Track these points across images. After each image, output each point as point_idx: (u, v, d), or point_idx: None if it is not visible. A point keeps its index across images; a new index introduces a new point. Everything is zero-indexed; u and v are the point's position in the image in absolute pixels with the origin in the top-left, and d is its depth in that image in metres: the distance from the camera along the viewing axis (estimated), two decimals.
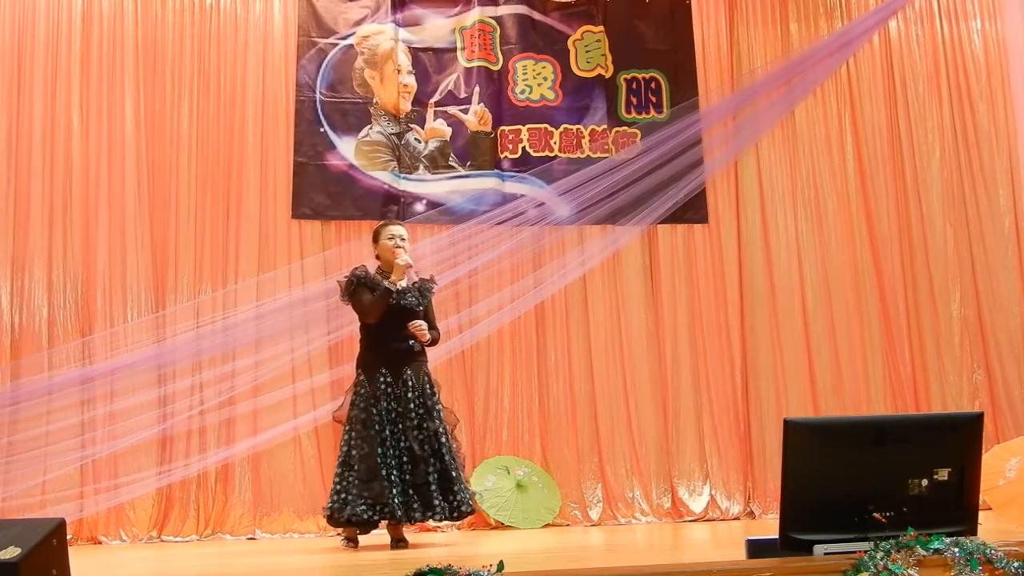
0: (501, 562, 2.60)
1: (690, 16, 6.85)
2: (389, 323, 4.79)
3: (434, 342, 4.98)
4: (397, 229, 5.00)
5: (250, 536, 5.77)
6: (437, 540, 5.34)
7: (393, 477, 4.60)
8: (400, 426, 4.70)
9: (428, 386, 4.85)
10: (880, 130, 6.90)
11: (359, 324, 4.97)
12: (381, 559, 4.32)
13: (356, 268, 4.94)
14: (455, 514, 4.75)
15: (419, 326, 4.81)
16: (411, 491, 4.62)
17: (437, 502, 4.66)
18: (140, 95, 6.12)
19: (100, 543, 5.58)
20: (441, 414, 4.84)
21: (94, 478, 5.68)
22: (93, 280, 5.89)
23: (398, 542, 4.71)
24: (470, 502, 4.80)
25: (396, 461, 4.64)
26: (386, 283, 4.80)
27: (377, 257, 5.01)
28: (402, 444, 4.67)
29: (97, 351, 5.80)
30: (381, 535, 4.91)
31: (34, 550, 2.69)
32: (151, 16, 6.19)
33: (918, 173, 6.87)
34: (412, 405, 4.74)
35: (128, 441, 5.69)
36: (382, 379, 4.75)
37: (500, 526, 5.91)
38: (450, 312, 6.25)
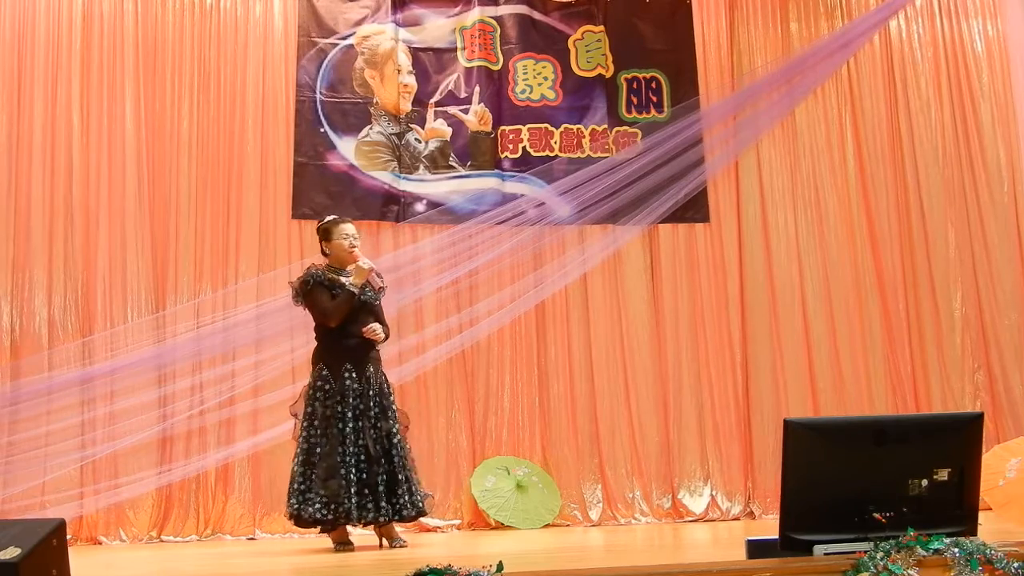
0: (501, 562, 2.59)
1: (691, 16, 6.85)
2: (349, 319, 4.72)
3: (385, 338, 4.92)
4: (351, 228, 4.89)
5: (250, 536, 5.77)
6: (436, 540, 5.34)
7: (352, 476, 4.55)
8: (360, 423, 4.66)
9: (385, 384, 4.82)
10: (880, 129, 6.89)
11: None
12: (381, 559, 4.32)
13: (309, 268, 4.84)
14: (397, 516, 4.66)
15: (374, 330, 4.76)
16: (366, 490, 4.57)
17: (383, 503, 4.59)
18: (140, 95, 6.12)
19: (100, 543, 5.58)
20: (395, 414, 4.79)
21: (94, 478, 5.68)
22: (93, 280, 5.89)
23: (396, 542, 4.70)
24: (418, 505, 4.70)
25: (354, 460, 4.59)
26: (347, 284, 4.71)
27: (326, 254, 4.91)
28: (360, 442, 4.63)
29: (97, 351, 5.80)
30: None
31: (34, 550, 2.69)
32: (151, 16, 6.19)
33: (919, 172, 6.86)
34: (372, 403, 4.71)
35: (128, 441, 5.70)
36: (347, 375, 4.69)
37: (500, 526, 5.90)
38: (450, 312, 6.26)
